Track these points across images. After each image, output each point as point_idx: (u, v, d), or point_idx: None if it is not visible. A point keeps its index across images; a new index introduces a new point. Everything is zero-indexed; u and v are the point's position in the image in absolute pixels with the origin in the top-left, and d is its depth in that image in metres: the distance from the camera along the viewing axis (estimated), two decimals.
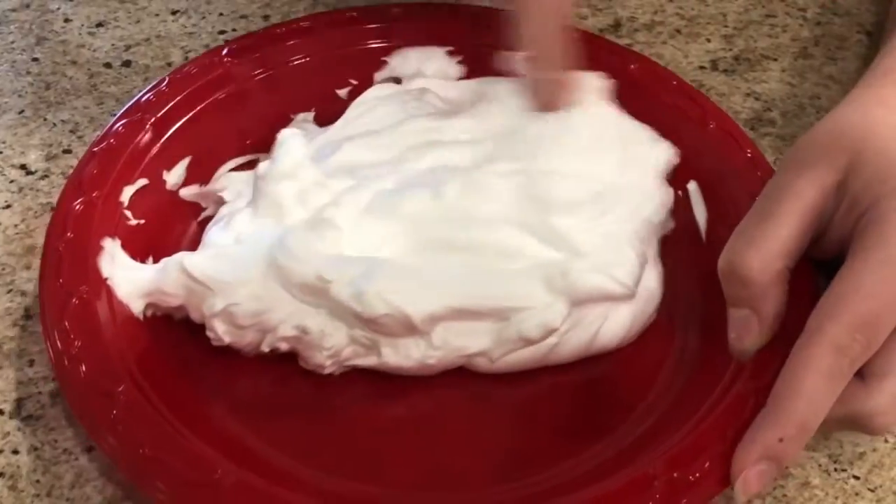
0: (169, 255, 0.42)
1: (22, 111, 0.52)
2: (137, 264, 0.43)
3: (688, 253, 0.46)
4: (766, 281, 0.39)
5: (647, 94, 0.50)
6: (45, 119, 0.52)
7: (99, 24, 0.56)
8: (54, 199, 0.47)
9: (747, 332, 0.40)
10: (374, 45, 0.51)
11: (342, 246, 0.41)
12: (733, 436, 0.37)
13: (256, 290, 0.40)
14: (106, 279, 0.42)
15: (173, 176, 0.47)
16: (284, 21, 0.53)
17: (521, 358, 0.42)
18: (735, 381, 0.40)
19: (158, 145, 0.47)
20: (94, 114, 0.52)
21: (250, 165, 0.47)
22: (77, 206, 0.43)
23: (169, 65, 0.54)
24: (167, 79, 0.49)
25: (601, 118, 0.47)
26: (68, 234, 0.42)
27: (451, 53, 0.52)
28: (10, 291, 0.45)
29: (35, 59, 0.54)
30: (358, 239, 0.42)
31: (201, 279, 0.40)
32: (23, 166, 0.50)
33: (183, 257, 0.41)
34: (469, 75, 0.51)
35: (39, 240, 0.45)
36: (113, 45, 0.55)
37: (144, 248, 0.44)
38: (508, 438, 0.41)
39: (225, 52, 0.50)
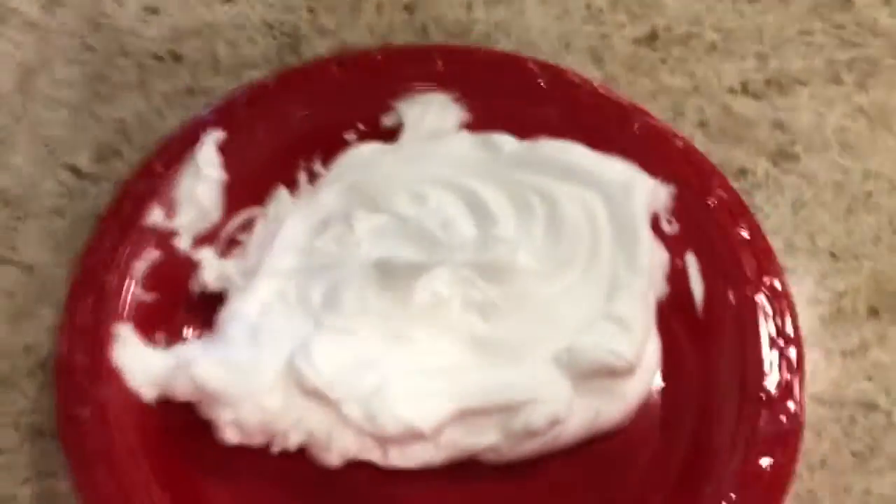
0: (178, 326, 0.47)
1: (75, 106, 0.54)
2: (149, 350, 0.46)
3: (682, 327, 0.48)
4: None
5: (648, 156, 0.51)
6: (95, 116, 0.54)
7: (152, 11, 0.57)
8: (102, 208, 0.51)
9: None
10: (381, 88, 0.53)
11: (360, 349, 0.44)
12: None
13: (265, 402, 0.43)
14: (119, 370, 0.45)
15: (184, 240, 0.49)
16: (290, 66, 0.55)
17: (527, 448, 0.44)
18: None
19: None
20: (141, 110, 0.54)
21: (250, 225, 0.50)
22: (92, 286, 0.47)
23: (216, 59, 0.56)
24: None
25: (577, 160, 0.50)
26: (83, 314, 0.46)
27: (458, 100, 0.53)
28: (55, 306, 0.48)
29: (89, 48, 0.56)
30: (374, 339, 0.45)
31: (210, 392, 0.43)
32: (73, 167, 0.52)
33: (192, 365, 0.43)
34: (475, 122, 0.52)
35: None
36: (162, 34, 0.57)
37: (154, 322, 0.47)
38: None
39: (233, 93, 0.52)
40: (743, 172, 0.54)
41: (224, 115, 0.51)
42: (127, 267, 0.47)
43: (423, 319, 0.46)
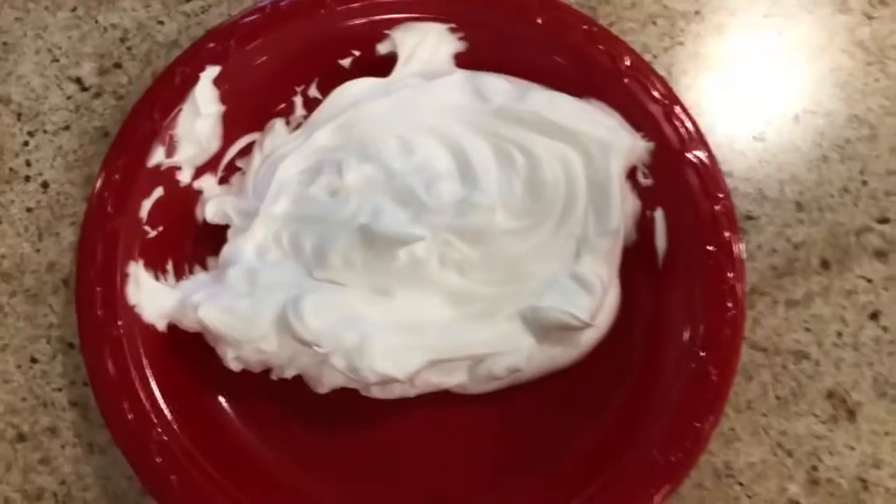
0: (186, 253, 0.51)
1: (74, 8, 0.55)
2: (160, 287, 0.50)
3: (643, 275, 0.52)
4: None
5: (634, 108, 0.52)
6: (96, 21, 0.55)
7: None
8: (107, 124, 0.53)
9: None
10: (379, 16, 0.53)
11: (345, 304, 0.49)
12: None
13: (262, 345, 0.48)
14: (133, 307, 0.49)
15: (185, 174, 0.51)
16: None
17: (489, 387, 0.50)
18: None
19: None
20: (141, 19, 0.55)
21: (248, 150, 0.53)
22: (103, 231, 0.50)
23: None
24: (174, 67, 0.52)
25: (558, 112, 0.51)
26: (98, 258, 0.49)
27: (453, 30, 0.53)
28: (73, 224, 0.53)
29: None
30: (358, 294, 0.49)
31: (213, 331, 0.48)
32: (78, 80, 0.54)
33: (199, 305, 0.48)
34: (469, 52, 0.53)
35: (95, 168, 0.51)
36: None
37: (163, 254, 0.51)
38: (483, 450, 0.51)
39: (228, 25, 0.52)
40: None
41: (220, 45, 0.52)
42: (134, 208, 0.50)
43: (404, 276, 0.50)
